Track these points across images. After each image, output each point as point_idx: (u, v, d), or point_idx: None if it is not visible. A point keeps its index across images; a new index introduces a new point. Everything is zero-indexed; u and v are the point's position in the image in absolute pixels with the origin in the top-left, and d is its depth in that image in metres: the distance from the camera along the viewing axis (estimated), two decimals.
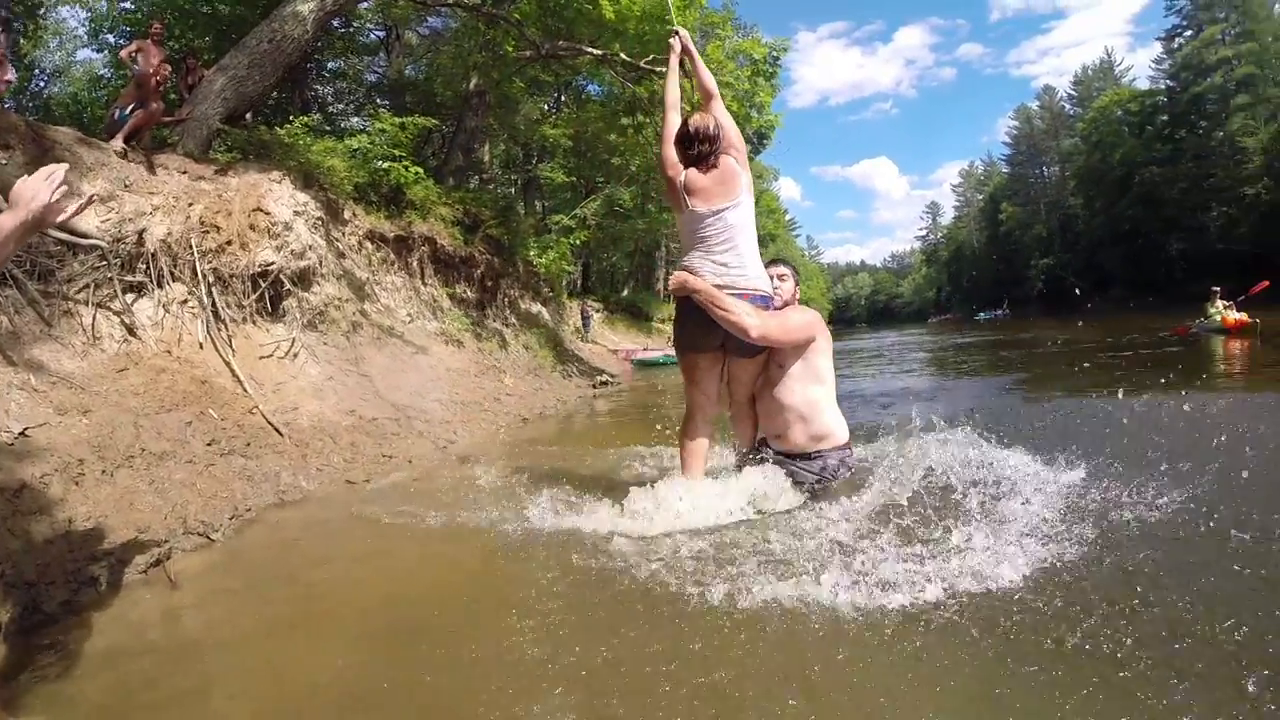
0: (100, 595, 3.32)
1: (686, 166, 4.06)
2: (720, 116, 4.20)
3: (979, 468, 3.72)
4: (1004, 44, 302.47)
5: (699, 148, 4.02)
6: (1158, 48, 66.40)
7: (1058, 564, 2.60)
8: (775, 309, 4.12)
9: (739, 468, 4.22)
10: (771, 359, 4.13)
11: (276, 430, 5.84)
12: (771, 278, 4.22)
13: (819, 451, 4.02)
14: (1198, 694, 1.78)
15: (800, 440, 4.04)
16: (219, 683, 2.55)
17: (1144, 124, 64.54)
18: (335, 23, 12.36)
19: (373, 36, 17.93)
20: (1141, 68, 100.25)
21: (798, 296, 4.47)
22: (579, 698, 2.09)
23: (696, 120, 4.07)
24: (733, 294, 3.86)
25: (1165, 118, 62.61)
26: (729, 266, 3.94)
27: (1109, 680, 1.88)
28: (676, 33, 4.83)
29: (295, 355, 7.14)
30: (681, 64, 4.77)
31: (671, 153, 4.15)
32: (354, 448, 6.35)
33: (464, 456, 7.10)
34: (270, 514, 4.73)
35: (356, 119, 17.10)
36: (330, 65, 16.75)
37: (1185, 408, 4.92)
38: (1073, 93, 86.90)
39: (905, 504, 3.29)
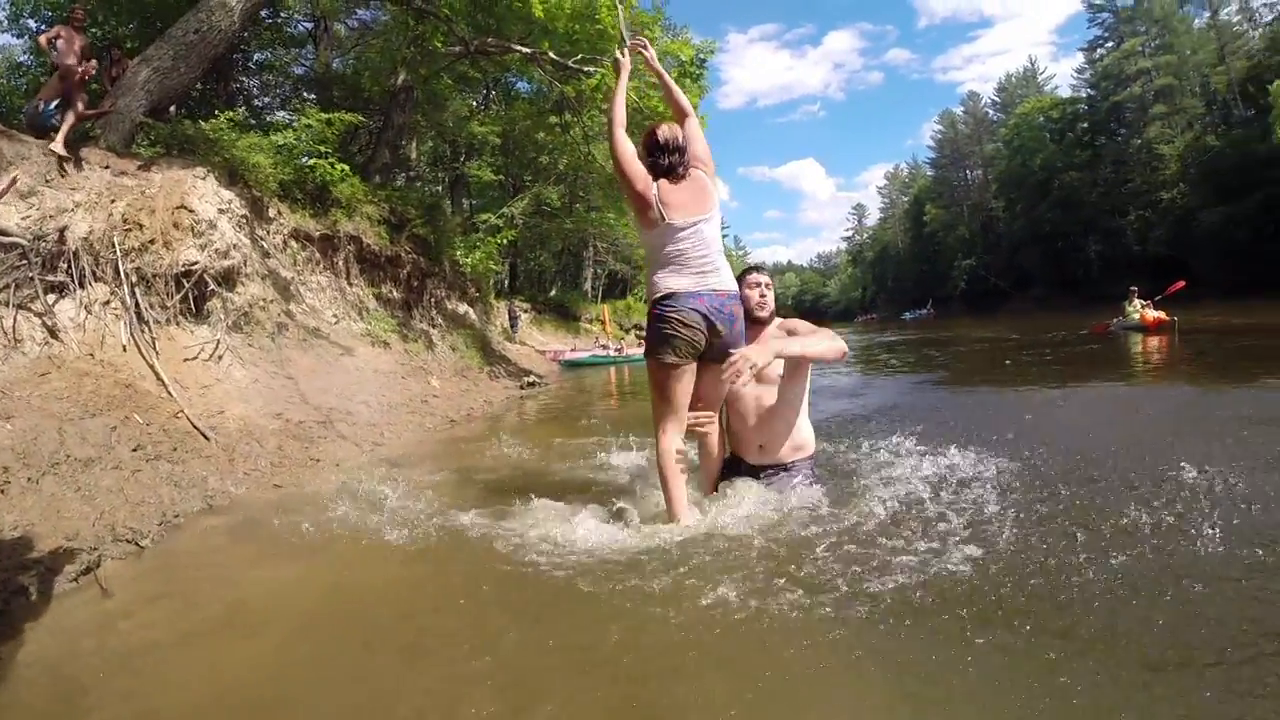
0: (32, 604, 3.29)
1: (655, 178, 3.91)
2: (692, 131, 4.14)
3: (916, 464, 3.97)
4: (931, 50, 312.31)
5: (669, 158, 3.92)
6: (1080, 58, 69.81)
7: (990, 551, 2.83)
8: (762, 319, 4.16)
9: (717, 487, 4.09)
10: (773, 369, 3.98)
11: (203, 435, 5.78)
12: (758, 285, 4.20)
13: (794, 462, 4.07)
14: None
15: (784, 451, 4.06)
16: (157, 686, 2.59)
17: (1064, 130, 67.59)
18: (263, 13, 12.11)
19: (300, 28, 17.58)
20: (1064, 76, 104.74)
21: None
22: (505, 690, 2.23)
23: (665, 130, 4.00)
24: (716, 295, 3.78)
25: (1085, 125, 65.94)
26: (706, 275, 3.80)
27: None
28: (632, 48, 4.72)
29: (220, 357, 7.05)
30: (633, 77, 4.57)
31: (636, 167, 3.92)
32: (281, 452, 6.32)
33: (392, 459, 7.13)
34: (199, 519, 4.71)
35: (283, 113, 16.77)
36: (256, 57, 16.35)
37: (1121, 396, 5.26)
38: (996, 99, 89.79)
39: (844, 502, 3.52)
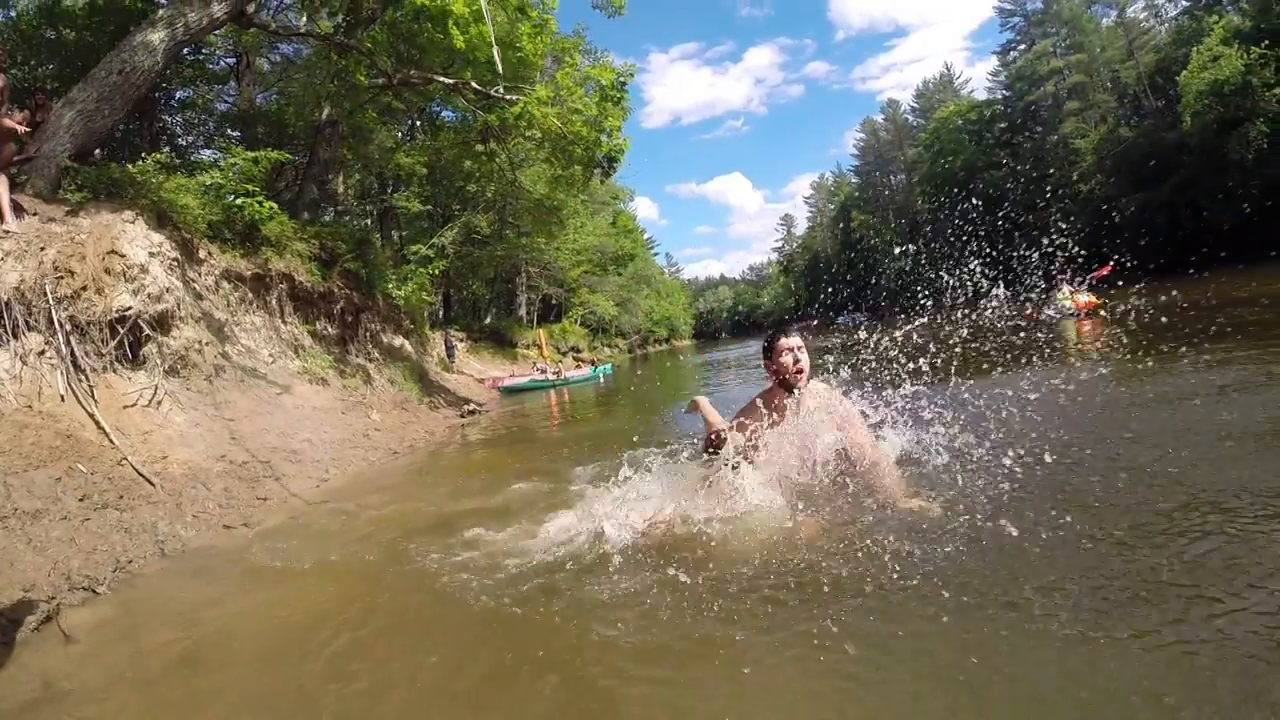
0: None
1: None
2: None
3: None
4: (849, 61, 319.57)
5: None
6: (994, 61, 72.91)
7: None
8: (798, 387, 3.99)
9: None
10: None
11: (148, 481, 5.77)
12: (790, 350, 4.00)
13: None
14: None
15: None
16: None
17: (983, 131, 70.52)
18: (184, 50, 12.05)
19: (222, 64, 17.40)
20: (979, 80, 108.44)
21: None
22: (452, 709, 2.40)
23: None
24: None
25: (1003, 125, 68.60)
26: None
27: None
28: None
29: (159, 403, 7.01)
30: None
31: None
32: (227, 493, 6.33)
33: (338, 494, 7.19)
34: (152, 563, 4.75)
35: (208, 151, 16.58)
36: (179, 94, 16.13)
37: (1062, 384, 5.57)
38: (915, 105, 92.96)
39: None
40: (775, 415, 4.02)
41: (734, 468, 3.78)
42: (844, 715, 2.16)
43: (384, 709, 2.52)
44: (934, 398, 4.56)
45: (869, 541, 3.13)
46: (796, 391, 4.00)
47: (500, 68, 13.90)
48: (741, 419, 4.07)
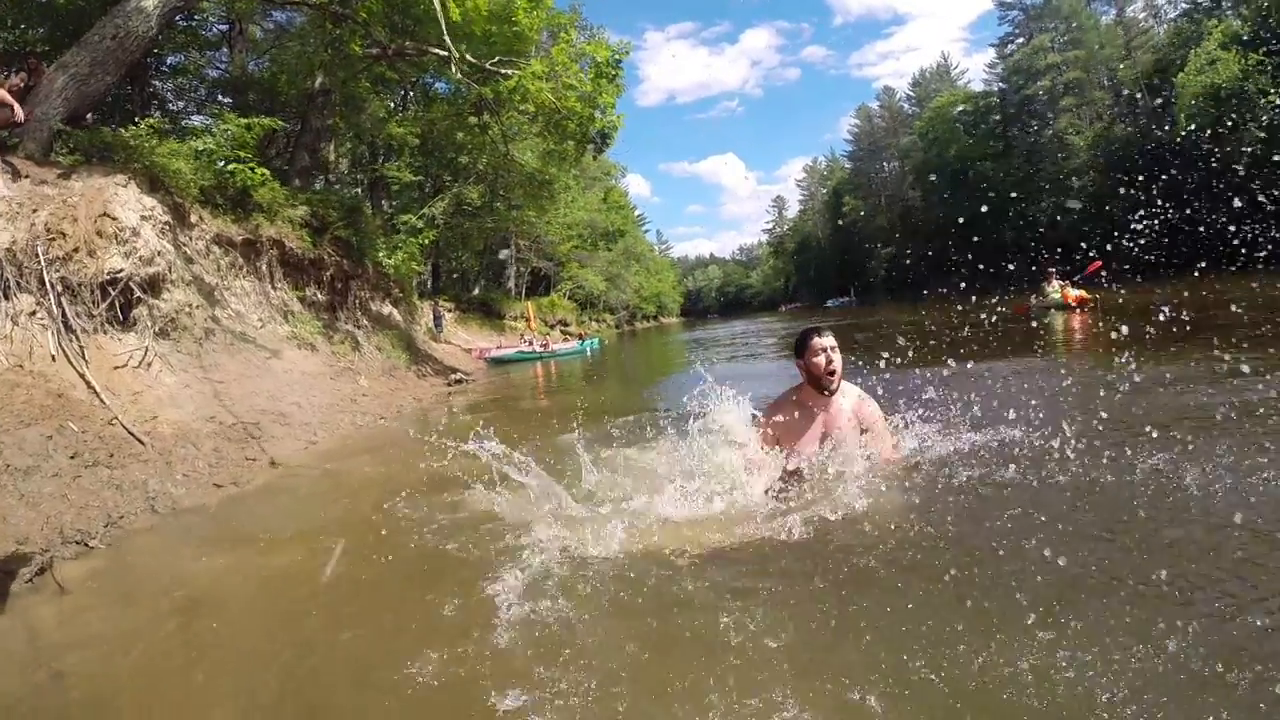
0: None
1: None
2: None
3: None
4: (846, 47, 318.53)
5: None
6: (992, 53, 72.85)
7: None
8: (830, 390, 3.97)
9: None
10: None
11: (138, 440, 5.90)
12: (823, 350, 3.92)
13: None
14: None
15: None
16: (121, 668, 2.85)
17: (978, 123, 70.59)
18: (178, 16, 12.00)
19: (215, 30, 17.28)
20: (976, 71, 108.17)
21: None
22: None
23: None
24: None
25: (997, 117, 68.69)
26: None
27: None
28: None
29: (149, 365, 7.12)
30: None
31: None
32: (217, 453, 6.47)
33: (327, 456, 7.35)
34: (143, 519, 4.89)
35: (199, 117, 16.50)
36: (170, 60, 16.04)
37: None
38: (911, 93, 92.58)
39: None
40: (806, 416, 4.02)
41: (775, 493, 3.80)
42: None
43: (376, 654, 2.65)
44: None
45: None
46: (827, 392, 3.97)
47: (444, 24, 13.69)
48: (776, 419, 4.08)
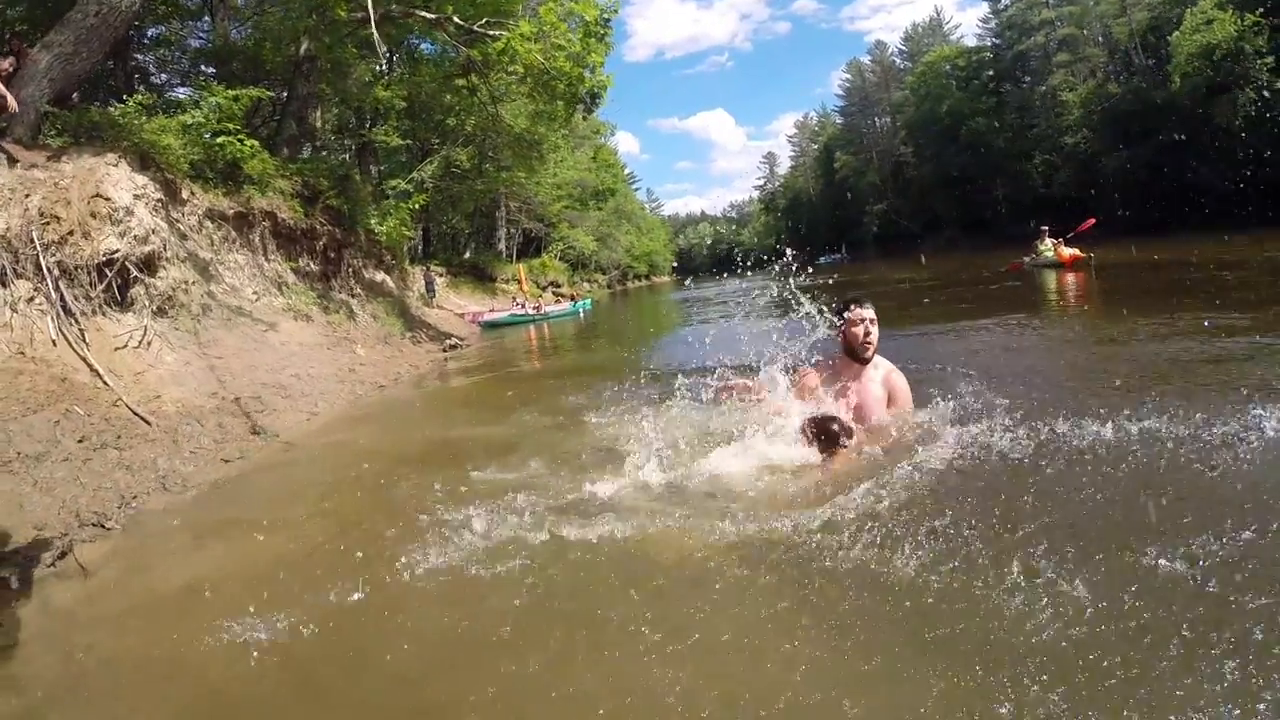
0: (18, 591, 3.61)
1: None
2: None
3: None
4: (837, 0, 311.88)
5: None
6: (985, 8, 71.65)
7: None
8: (865, 360, 4.19)
9: None
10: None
11: (144, 420, 6.01)
12: (862, 320, 4.12)
13: None
14: None
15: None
16: (147, 641, 3.02)
17: (970, 78, 69.58)
18: None
19: None
20: (969, 26, 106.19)
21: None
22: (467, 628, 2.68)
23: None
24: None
25: (991, 73, 67.97)
26: None
27: None
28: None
29: (149, 344, 7.21)
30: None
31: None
32: (222, 429, 6.59)
33: (330, 426, 7.51)
34: (156, 498, 5.03)
35: (183, 89, 16.35)
36: (151, 32, 15.83)
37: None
38: (903, 48, 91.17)
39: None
40: (840, 382, 4.24)
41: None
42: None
43: (396, 630, 2.75)
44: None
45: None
46: (861, 361, 4.19)
47: None
48: (810, 380, 4.32)
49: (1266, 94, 35.51)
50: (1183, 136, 41.48)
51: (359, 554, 3.44)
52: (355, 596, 2.96)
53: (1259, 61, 35.61)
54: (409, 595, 2.93)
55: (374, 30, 13.41)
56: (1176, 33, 40.63)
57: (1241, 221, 29.92)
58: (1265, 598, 2.07)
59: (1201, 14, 38.52)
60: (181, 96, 14.05)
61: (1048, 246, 18.90)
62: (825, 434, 3.82)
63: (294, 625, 2.78)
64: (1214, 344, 5.98)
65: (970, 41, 76.45)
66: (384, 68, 24.26)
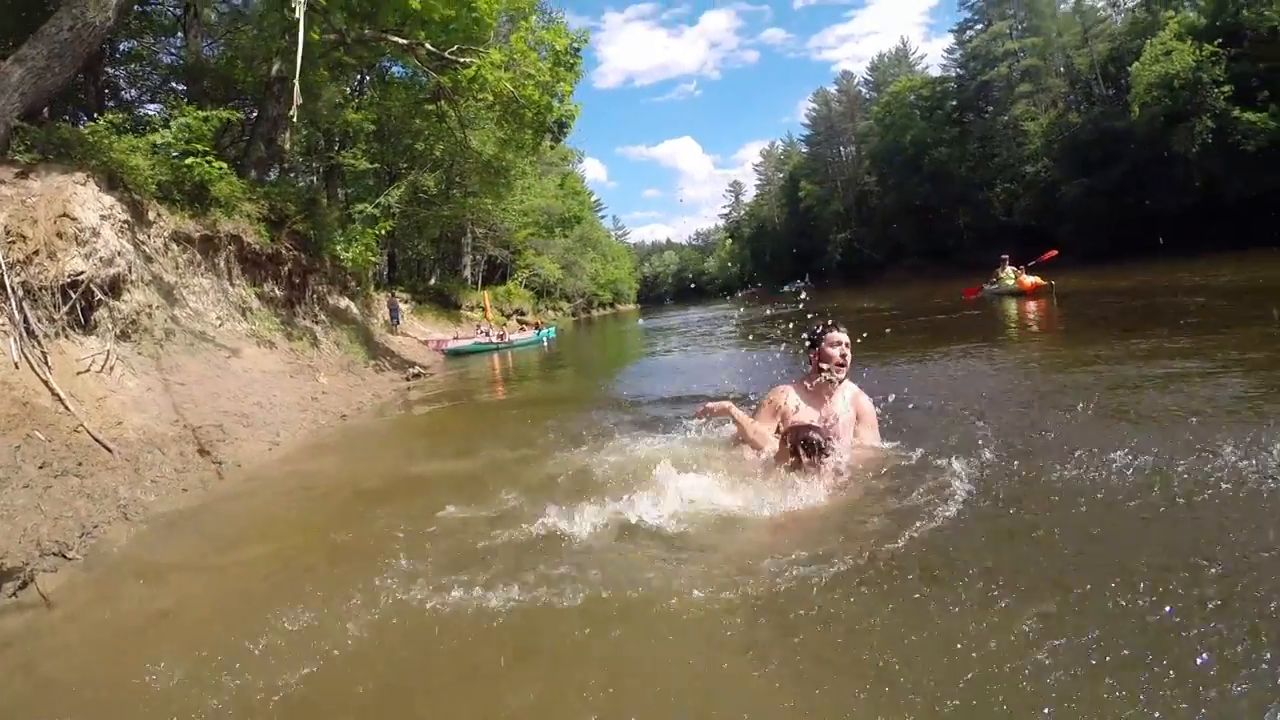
0: None
1: None
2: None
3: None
4: (806, 30, 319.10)
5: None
6: (950, 39, 73.44)
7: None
8: (838, 367, 4.40)
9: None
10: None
11: (105, 447, 5.92)
12: (839, 344, 4.41)
13: None
14: None
15: None
16: (115, 674, 2.99)
17: (934, 108, 71.45)
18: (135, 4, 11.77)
19: (170, 14, 16.91)
20: (935, 56, 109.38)
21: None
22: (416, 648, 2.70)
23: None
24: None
25: (954, 103, 69.95)
26: None
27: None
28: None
29: (111, 368, 7.10)
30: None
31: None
32: (183, 457, 6.51)
33: (291, 458, 7.44)
34: (118, 528, 4.95)
35: (153, 106, 16.18)
36: (123, 46, 15.66)
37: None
38: (869, 78, 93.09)
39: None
40: (810, 402, 4.47)
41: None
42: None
43: (351, 669, 2.74)
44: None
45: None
46: (834, 383, 4.43)
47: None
48: (780, 399, 4.51)
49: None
50: (1140, 166, 42.82)
51: (319, 592, 3.40)
52: (312, 632, 2.96)
53: (1216, 90, 36.90)
54: (368, 638, 2.90)
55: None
56: (1136, 63, 41.99)
57: (1198, 247, 30.90)
58: (1216, 622, 2.18)
59: (1161, 45, 39.87)
60: (151, 113, 13.89)
61: (1008, 274, 19.15)
62: (805, 443, 3.90)
63: (253, 661, 2.78)
64: (1174, 373, 6.21)
65: (935, 72, 78.75)
66: (354, 89, 24.27)
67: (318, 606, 3.14)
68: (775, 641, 2.54)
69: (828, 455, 3.90)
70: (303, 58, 15.15)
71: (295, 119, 12.55)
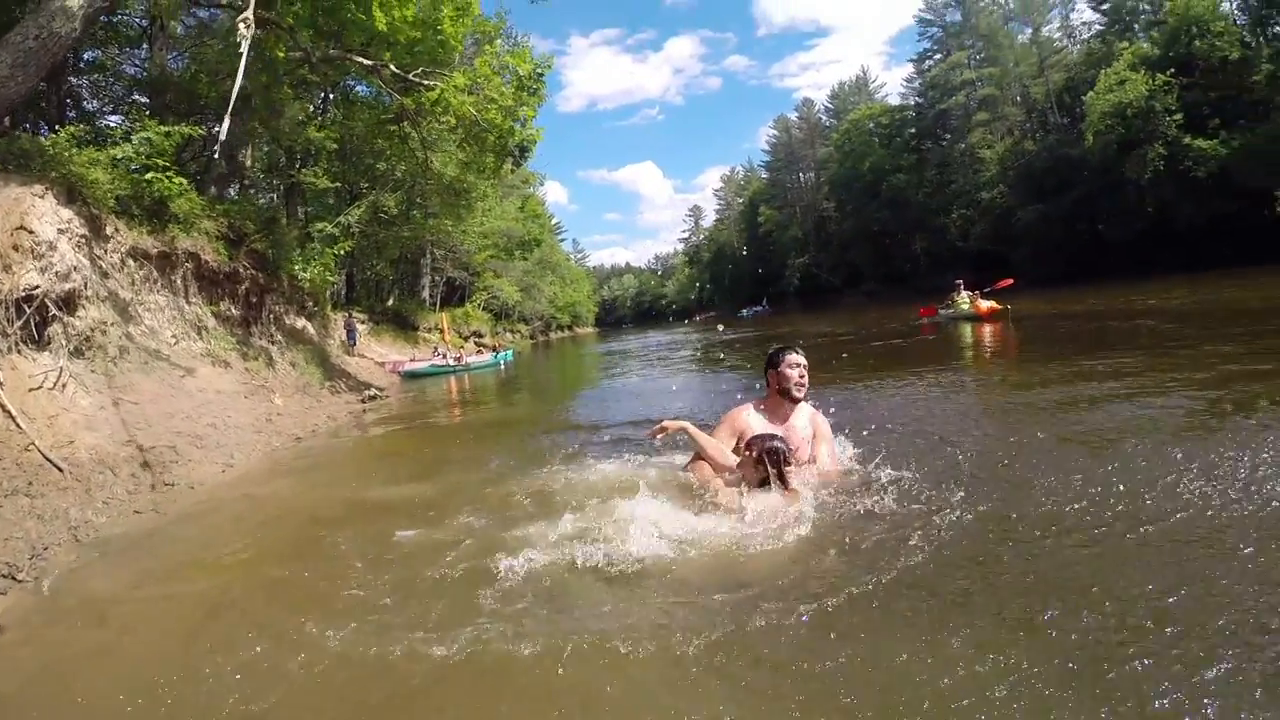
0: None
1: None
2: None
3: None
4: (768, 58, 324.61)
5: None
6: (910, 68, 76.02)
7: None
8: (798, 400, 4.60)
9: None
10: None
11: (56, 466, 5.84)
12: (798, 365, 4.59)
13: None
14: None
15: None
16: (67, 700, 2.94)
17: (893, 136, 73.65)
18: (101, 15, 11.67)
19: (135, 25, 16.72)
20: (894, 85, 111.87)
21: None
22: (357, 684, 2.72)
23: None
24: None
25: (912, 131, 72.22)
26: None
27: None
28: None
29: (64, 386, 7.01)
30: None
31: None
32: (135, 479, 6.44)
33: (244, 480, 7.36)
34: (68, 550, 4.89)
35: (115, 117, 16.00)
36: (87, 55, 15.48)
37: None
38: (829, 105, 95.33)
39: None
40: (770, 421, 4.57)
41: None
42: None
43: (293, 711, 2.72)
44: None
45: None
46: (791, 402, 4.59)
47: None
48: (740, 419, 4.61)
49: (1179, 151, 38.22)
50: (1094, 192, 44.23)
51: (270, 621, 3.40)
52: (257, 669, 2.95)
53: (1168, 119, 38.35)
54: (314, 678, 2.87)
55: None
56: (1091, 93, 43.69)
57: (1150, 271, 31.83)
58: (1149, 642, 2.29)
59: (1115, 75, 41.50)
60: (113, 125, 13.74)
61: (964, 299, 19.42)
62: (771, 452, 4.00)
63: (197, 697, 2.78)
64: (1128, 394, 6.42)
65: (894, 100, 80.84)
66: (318, 107, 24.16)
67: (267, 641, 3.13)
68: (744, 679, 2.53)
69: (789, 464, 4.01)
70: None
71: (217, 154, 12.45)
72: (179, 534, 5.57)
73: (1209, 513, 3.31)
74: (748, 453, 4.13)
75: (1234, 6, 42.00)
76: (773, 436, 4.16)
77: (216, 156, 10.56)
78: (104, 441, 6.74)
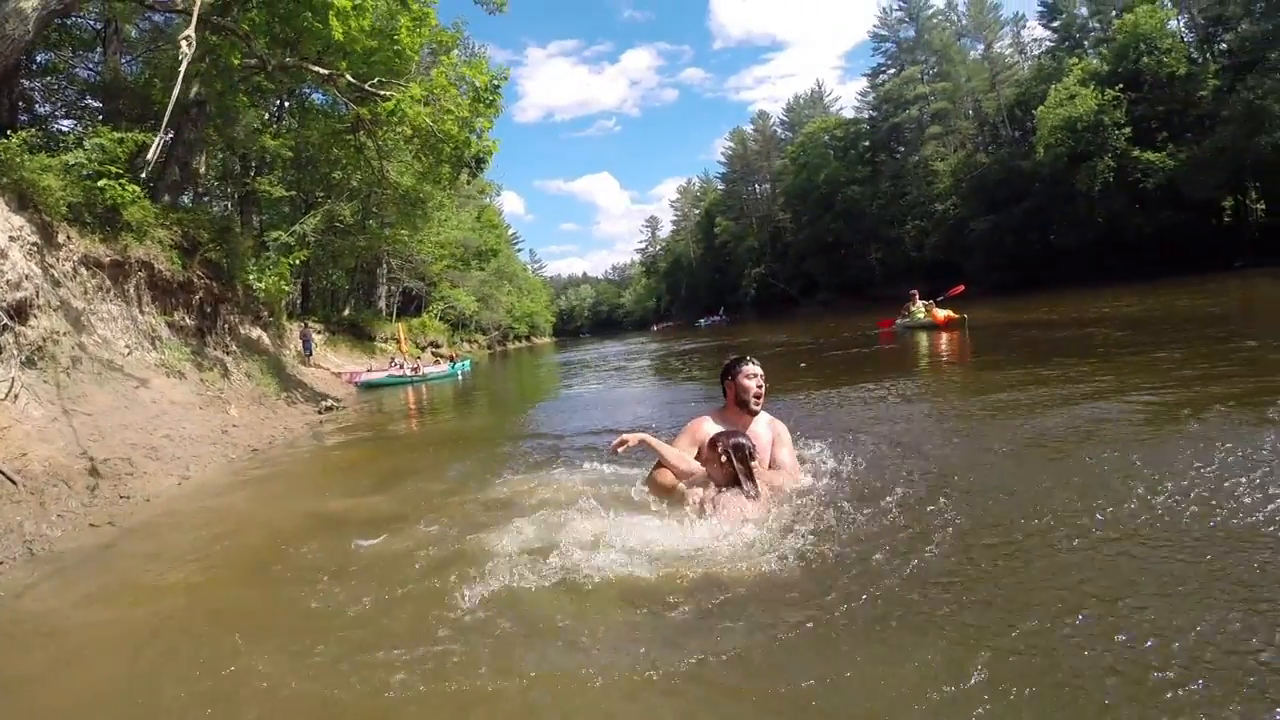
0: None
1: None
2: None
3: None
4: (724, 71, 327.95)
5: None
6: (864, 82, 77.29)
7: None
8: (755, 411, 4.69)
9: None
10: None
11: (9, 479, 5.73)
12: (755, 376, 4.67)
13: None
14: None
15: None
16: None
17: (848, 148, 74.90)
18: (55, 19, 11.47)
19: (89, 27, 16.42)
20: (849, 99, 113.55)
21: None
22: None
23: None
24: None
25: (867, 143, 73.48)
26: None
27: None
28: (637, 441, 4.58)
29: (16, 396, 6.86)
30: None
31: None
32: (90, 491, 6.33)
33: (201, 492, 7.27)
34: (23, 565, 4.81)
35: (68, 122, 15.68)
36: (40, 58, 15.16)
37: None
38: (785, 118, 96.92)
39: None
40: (732, 426, 4.56)
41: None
42: None
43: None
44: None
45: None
46: (749, 412, 4.65)
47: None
48: (701, 429, 4.61)
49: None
50: (1045, 203, 45.41)
51: (236, 637, 3.32)
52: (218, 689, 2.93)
53: (1117, 132, 39.55)
54: (284, 696, 2.82)
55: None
56: (1041, 107, 45.00)
57: (1101, 279, 32.60)
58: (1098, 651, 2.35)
59: (1065, 89, 42.85)
60: (65, 130, 13.48)
61: (920, 308, 19.59)
62: (736, 448, 4.08)
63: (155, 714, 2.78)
64: (1082, 400, 6.59)
65: (849, 113, 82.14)
66: (273, 115, 23.90)
67: (224, 663, 3.07)
68: (711, 698, 2.51)
69: (754, 459, 4.12)
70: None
71: (144, 174, 12.23)
72: (135, 549, 5.47)
73: (1168, 518, 3.39)
74: (713, 451, 4.18)
75: (1181, 24, 43.68)
76: (737, 433, 4.26)
77: (150, 160, 10.36)
78: (57, 453, 6.62)
